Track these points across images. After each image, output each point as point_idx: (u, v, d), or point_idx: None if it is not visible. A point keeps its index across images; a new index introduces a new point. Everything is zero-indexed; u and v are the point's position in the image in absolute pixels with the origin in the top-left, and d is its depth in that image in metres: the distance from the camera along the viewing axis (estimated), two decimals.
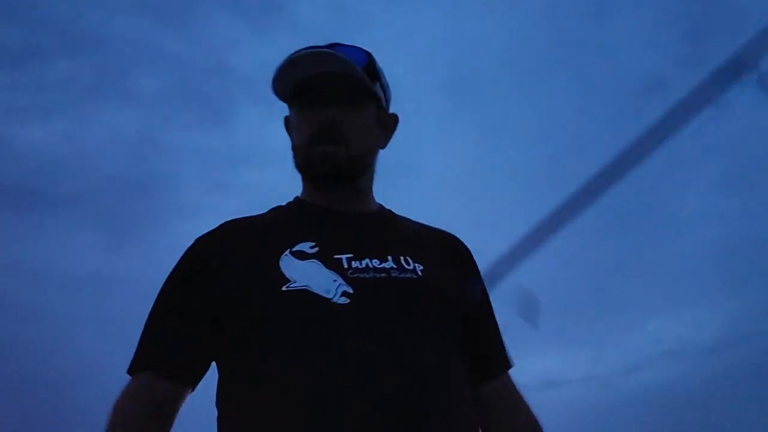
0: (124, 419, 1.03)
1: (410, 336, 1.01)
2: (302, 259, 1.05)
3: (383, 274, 1.03)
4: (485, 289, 1.28)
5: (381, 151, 1.21)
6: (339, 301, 0.99)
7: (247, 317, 1.02)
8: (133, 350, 1.13)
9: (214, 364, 1.13)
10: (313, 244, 1.07)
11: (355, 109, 1.13)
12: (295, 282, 1.01)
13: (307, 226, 1.12)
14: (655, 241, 9.44)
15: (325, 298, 0.99)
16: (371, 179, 1.23)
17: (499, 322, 1.31)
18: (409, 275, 1.06)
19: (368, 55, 1.18)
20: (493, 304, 1.31)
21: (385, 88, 1.22)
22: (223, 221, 1.20)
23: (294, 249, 1.06)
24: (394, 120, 1.26)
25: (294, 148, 1.19)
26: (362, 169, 1.17)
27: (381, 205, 1.25)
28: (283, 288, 1.00)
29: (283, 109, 1.25)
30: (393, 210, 1.29)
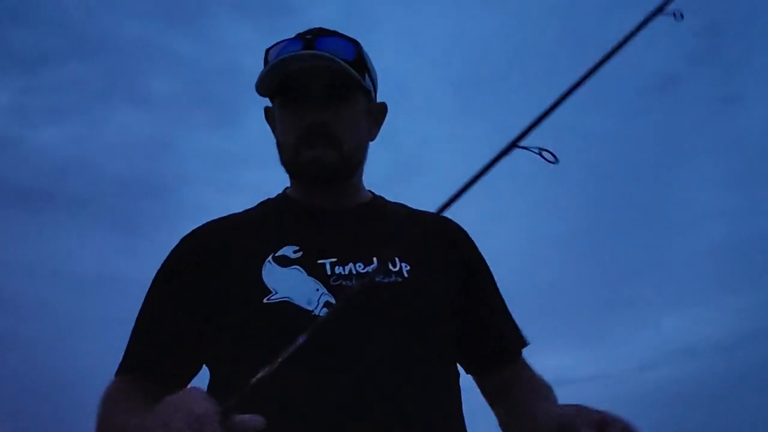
0: (115, 404, 1.02)
1: (392, 355, 1.00)
2: (285, 266, 1.04)
3: (367, 280, 1.02)
4: (488, 271, 1.25)
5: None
6: (321, 314, 0.98)
7: (229, 329, 1.02)
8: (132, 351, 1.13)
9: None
10: (297, 248, 1.06)
11: (344, 107, 1.10)
12: (276, 293, 1.00)
13: (293, 227, 1.11)
14: (668, 238, 9.38)
15: (307, 310, 0.99)
16: (361, 172, 1.21)
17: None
18: (394, 278, 1.05)
19: (356, 45, 1.13)
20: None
21: (374, 80, 1.18)
22: (208, 220, 1.18)
23: (277, 254, 1.05)
24: (383, 109, 1.23)
25: (279, 144, 1.16)
26: (355, 167, 1.16)
27: (372, 193, 1.23)
28: (264, 300, 0.99)
29: None
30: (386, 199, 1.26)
